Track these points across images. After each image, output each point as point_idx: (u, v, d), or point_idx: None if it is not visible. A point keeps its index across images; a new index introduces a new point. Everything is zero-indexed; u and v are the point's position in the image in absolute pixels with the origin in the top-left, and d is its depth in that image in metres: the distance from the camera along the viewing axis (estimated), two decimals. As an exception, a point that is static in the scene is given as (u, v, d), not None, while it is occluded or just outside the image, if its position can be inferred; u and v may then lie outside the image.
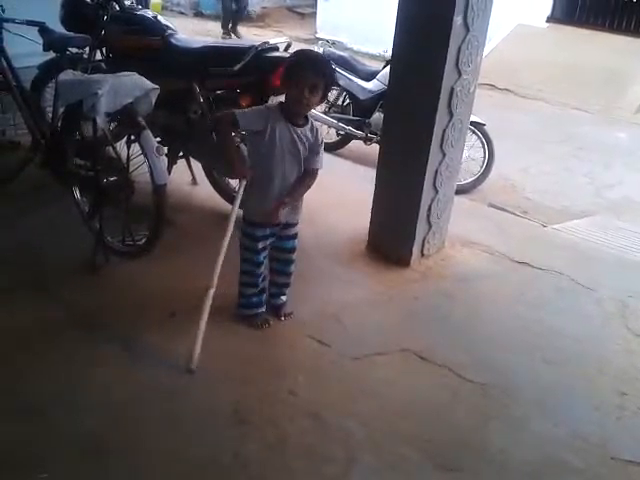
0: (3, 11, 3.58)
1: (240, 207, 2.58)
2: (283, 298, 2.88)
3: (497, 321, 2.99)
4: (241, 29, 11.05)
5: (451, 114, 3.10)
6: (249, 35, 10.75)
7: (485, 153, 4.84)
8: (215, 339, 2.65)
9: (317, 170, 2.58)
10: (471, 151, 4.75)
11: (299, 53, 2.55)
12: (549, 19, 10.85)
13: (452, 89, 3.03)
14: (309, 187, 2.60)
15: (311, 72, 2.36)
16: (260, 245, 2.63)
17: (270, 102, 3.03)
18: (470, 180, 4.88)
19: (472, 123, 4.04)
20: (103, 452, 2.10)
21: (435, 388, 2.51)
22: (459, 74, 3.02)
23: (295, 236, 2.74)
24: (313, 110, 5.15)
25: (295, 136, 2.46)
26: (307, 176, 2.57)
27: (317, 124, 2.59)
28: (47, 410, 2.25)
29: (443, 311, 3.02)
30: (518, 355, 2.75)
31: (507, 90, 8.60)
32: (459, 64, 2.98)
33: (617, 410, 2.47)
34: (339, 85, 5.26)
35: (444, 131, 3.12)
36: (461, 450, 2.22)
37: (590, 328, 2.98)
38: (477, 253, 3.56)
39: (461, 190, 4.38)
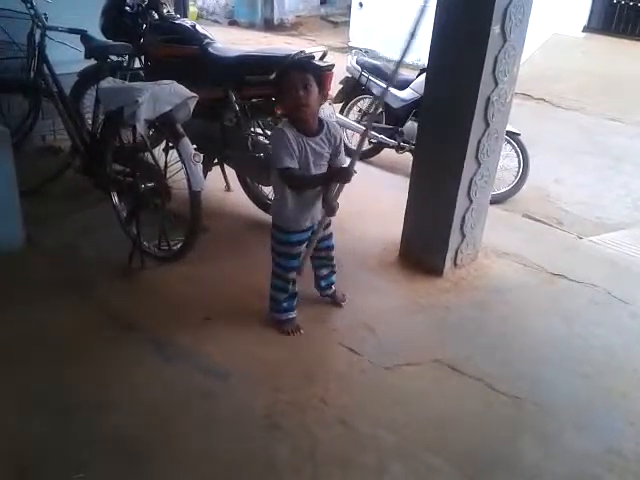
0: (47, 19, 3.68)
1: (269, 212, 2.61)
2: (333, 287, 3.01)
3: (530, 333, 2.95)
4: (275, 38, 11.14)
5: (487, 124, 3.08)
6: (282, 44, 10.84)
7: (520, 163, 4.80)
8: (246, 344, 2.69)
9: (344, 169, 2.51)
10: (505, 161, 4.71)
11: (283, 66, 2.70)
12: (585, 29, 10.73)
13: (488, 99, 3.01)
14: (340, 184, 2.54)
15: (297, 71, 2.45)
16: (292, 250, 2.67)
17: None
18: (504, 190, 4.84)
19: (507, 133, 4.01)
20: (137, 452, 2.13)
21: (467, 400, 2.49)
22: (496, 83, 3.00)
23: (331, 235, 2.85)
24: (342, 117, 5.19)
25: (314, 146, 2.48)
26: (333, 175, 2.54)
27: (332, 122, 2.61)
28: (82, 410, 2.29)
29: (476, 322, 2.99)
30: (552, 368, 2.71)
31: (542, 100, 8.51)
32: (496, 73, 2.97)
33: (654, 426, 2.42)
34: (372, 93, 5.28)
35: (479, 141, 3.10)
36: (493, 463, 2.20)
37: (625, 342, 2.92)
38: (511, 264, 3.52)
39: (495, 200, 4.36)
